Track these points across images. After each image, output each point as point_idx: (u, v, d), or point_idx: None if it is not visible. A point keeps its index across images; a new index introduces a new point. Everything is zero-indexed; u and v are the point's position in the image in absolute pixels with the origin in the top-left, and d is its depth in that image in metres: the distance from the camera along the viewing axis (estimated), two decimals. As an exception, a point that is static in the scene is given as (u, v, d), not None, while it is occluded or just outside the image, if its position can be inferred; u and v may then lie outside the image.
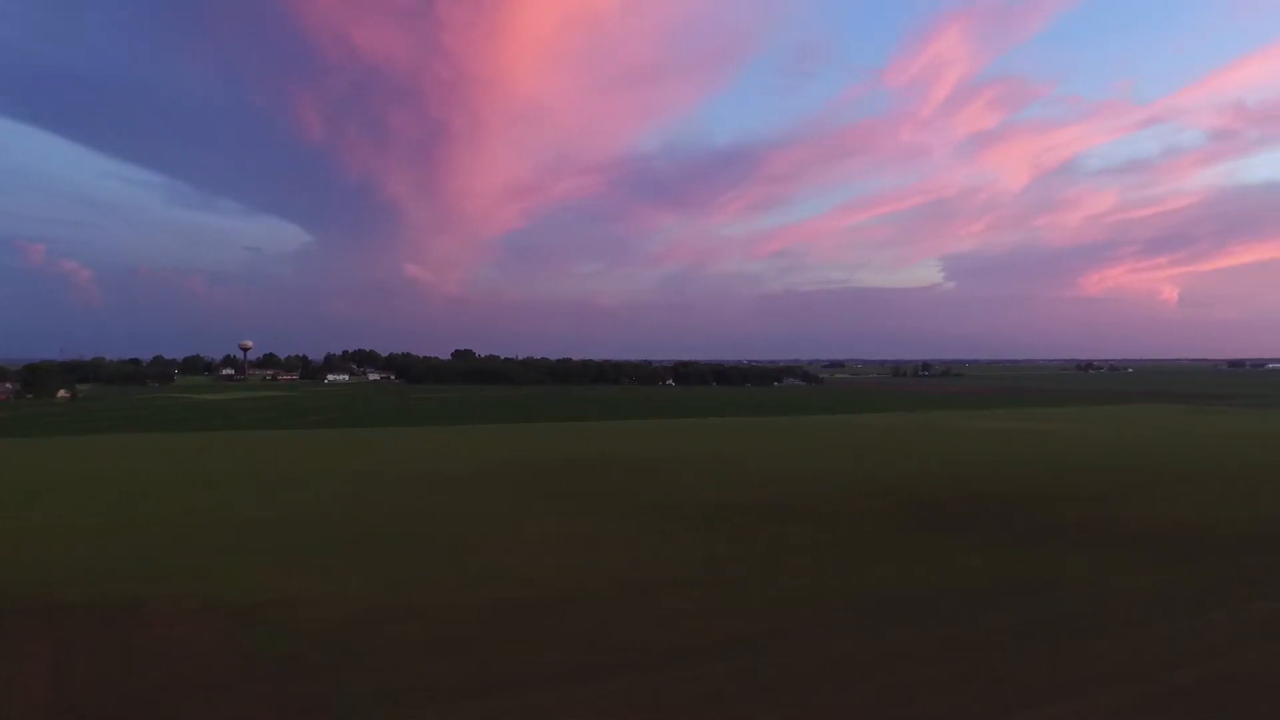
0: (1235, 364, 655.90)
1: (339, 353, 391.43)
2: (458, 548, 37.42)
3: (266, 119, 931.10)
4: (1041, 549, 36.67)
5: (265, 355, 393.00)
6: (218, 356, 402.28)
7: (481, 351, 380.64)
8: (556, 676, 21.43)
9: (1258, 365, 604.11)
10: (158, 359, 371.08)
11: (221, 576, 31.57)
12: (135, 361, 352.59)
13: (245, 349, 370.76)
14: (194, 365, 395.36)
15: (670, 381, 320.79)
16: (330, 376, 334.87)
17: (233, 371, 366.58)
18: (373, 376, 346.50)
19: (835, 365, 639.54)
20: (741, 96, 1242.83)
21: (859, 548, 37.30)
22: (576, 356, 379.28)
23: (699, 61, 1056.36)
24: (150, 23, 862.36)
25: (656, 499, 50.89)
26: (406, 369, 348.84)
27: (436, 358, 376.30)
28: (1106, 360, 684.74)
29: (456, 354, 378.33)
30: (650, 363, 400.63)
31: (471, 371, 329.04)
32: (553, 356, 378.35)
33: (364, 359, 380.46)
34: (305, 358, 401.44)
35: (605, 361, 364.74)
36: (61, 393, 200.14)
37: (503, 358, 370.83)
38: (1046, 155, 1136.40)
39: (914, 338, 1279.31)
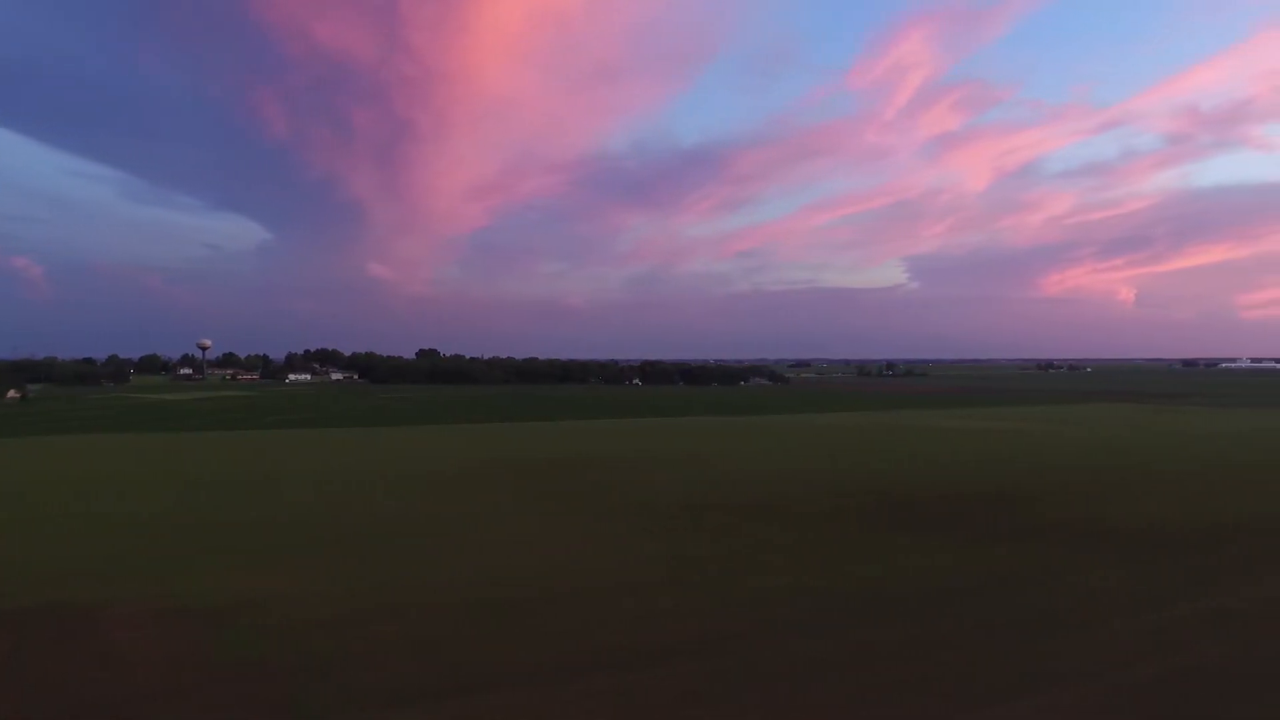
0: (1189, 364, 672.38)
1: (300, 352, 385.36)
2: (437, 548, 36.82)
3: (226, 114, 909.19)
4: (1019, 547, 37.09)
5: (225, 355, 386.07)
6: (175, 356, 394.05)
7: (446, 351, 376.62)
8: (537, 676, 21.17)
9: (1210, 365, 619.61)
10: (113, 358, 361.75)
11: (190, 579, 30.76)
12: (89, 361, 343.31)
13: (204, 348, 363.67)
14: (150, 365, 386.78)
15: (637, 381, 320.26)
16: (292, 376, 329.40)
17: (191, 371, 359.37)
18: (335, 376, 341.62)
19: (801, 365, 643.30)
20: (708, 97, 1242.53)
21: (838, 547, 37.45)
22: (543, 356, 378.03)
23: (665, 61, 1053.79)
24: (105, 13, 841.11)
25: (636, 499, 50.67)
26: (370, 369, 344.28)
27: (401, 357, 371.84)
28: (1066, 360, 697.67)
29: (421, 354, 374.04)
30: (617, 362, 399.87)
31: (436, 371, 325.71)
32: (519, 356, 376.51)
33: (326, 358, 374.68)
34: (266, 357, 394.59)
35: (572, 361, 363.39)
36: (11, 393, 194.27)
37: (468, 357, 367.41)
38: (1008, 157, 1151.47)
39: (878, 337, 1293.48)
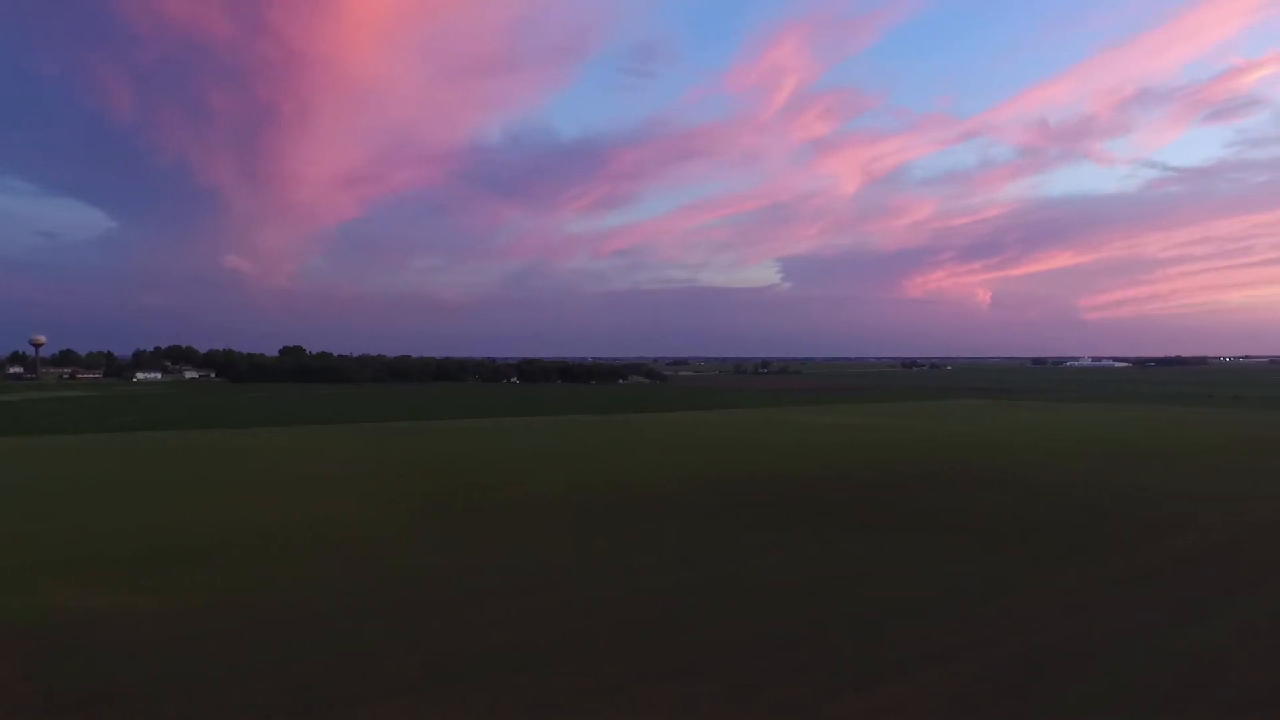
0: (1038, 362, 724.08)
1: (150, 349, 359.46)
2: (283, 558, 34.59)
3: (64, 92, 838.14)
4: (886, 537, 38.87)
5: (62, 352, 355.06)
6: (3, 353, 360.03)
7: (313, 348, 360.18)
8: (402, 687, 20.28)
9: (1057, 363, 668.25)
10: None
11: (6, 598, 27.63)
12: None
13: (37, 345, 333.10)
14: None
15: (514, 379, 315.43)
16: (140, 374, 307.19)
17: (22, 370, 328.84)
18: (190, 375, 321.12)
19: (679, 363, 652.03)
20: (586, 93, 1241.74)
21: (713, 541, 37.90)
22: (416, 354, 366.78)
23: (544, 55, 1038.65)
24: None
25: (503, 499, 49.99)
26: (229, 366, 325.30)
27: (263, 355, 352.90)
28: (928, 358, 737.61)
29: (285, 351, 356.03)
30: (494, 360, 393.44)
31: (302, 369, 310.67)
32: (390, 353, 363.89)
33: (180, 356, 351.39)
34: (110, 354, 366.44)
35: (447, 359, 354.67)
36: None
37: (336, 354, 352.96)
38: (876, 164, 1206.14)
39: (753, 336, 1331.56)
